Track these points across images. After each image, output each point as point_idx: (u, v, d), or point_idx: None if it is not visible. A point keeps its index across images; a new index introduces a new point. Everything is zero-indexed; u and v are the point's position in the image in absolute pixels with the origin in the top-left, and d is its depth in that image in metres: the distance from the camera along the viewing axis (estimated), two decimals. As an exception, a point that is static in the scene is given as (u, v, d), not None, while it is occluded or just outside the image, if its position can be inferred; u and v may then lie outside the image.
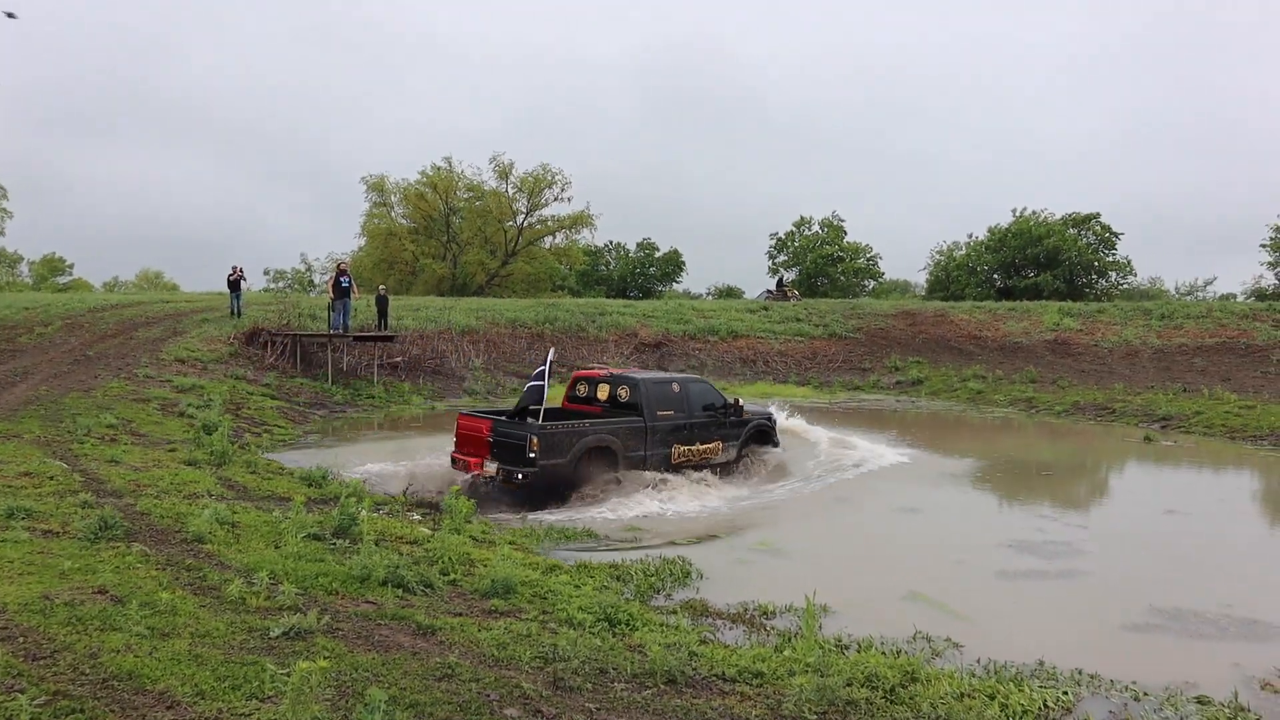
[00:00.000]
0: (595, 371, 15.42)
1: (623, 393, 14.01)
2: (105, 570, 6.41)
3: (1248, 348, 33.81)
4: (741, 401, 15.53)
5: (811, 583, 7.54)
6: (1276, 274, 55.58)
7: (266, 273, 74.67)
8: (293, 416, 21.20)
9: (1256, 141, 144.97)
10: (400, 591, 6.81)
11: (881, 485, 14.47)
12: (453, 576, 7.60)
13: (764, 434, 15.81)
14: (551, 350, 14.86)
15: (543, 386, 12.53)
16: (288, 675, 4.43)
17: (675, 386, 14.50)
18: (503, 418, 12.76)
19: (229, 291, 30.85)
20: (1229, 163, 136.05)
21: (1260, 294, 54.91)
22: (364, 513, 9.14)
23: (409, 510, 10.96)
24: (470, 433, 12.67)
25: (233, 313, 30.10)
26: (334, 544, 8.22)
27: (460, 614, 6.45)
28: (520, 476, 11.79)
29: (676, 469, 13.76)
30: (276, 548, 7.78)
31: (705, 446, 14.45)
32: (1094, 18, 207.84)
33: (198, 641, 5.07)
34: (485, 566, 7.81)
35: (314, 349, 27.48)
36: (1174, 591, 8.62)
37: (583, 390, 14.42)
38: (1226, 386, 26.93)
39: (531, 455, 11.75)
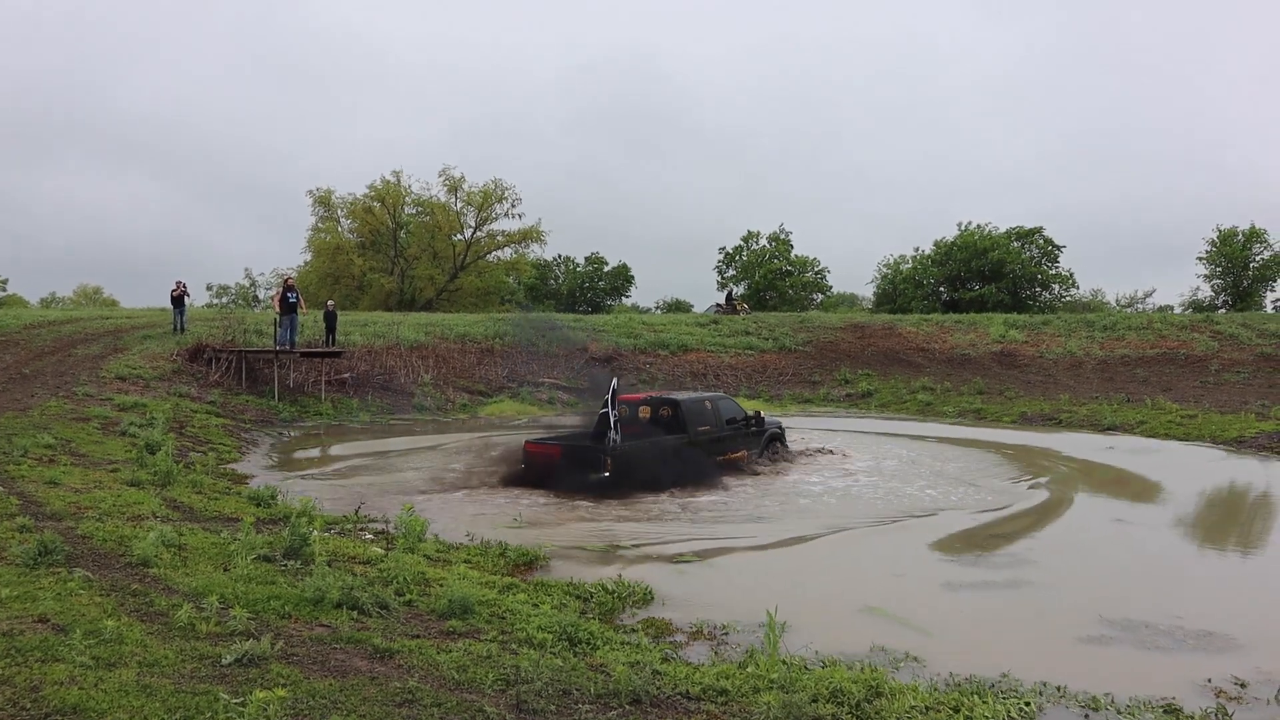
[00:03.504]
0: (634, 396, 17.26)
1: (664, 412, 15.97)
2: (46, 598, 6.16)
3: (1187, 358, 34.69)
4: (762, 414, 17.94)
5: (763, 596, 7.58)
6: (1213, 286, 57.14)
7: (210, 288, 73.33)
8: (238, 434, 20.77)
9: (1191, 155, 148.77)
10: (355, 613, 6.64)
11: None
12: (408, 597, 7.44)
13: (777, 440, 18.20)
14: (615, 379, 15.98)
15: (609, 413, 14.25)
16: (242, 705, 4.29)
17: (708, 404, 16.75)
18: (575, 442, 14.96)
19: (172, 307, 30.29)
20: (1163, 177, 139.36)
21: (1197, 305, 56.40)
22: (315, 533, 8.94)
23: (361, 530, 10.75)
24: (542, 457, 14.71)
25: (176, 329, 29.52)
26: (285, 565, 8.02)
27: (418, 635, 6.30)
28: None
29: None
30: (226, 570, 7.57)
31: (735, 455, 16.43)
32: (1016, 32, 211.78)
33: (146, 671, 4.88)
34: (441, 586, 7.66)
35: (260, 365, 27.04)
36: (1123, 603, 8.68)
37: (623, 412, 15.38)
38: (1168, 396, 27.53)
39: (606, 474, 13.76)
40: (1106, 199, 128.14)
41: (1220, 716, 5.83)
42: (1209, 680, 6.55)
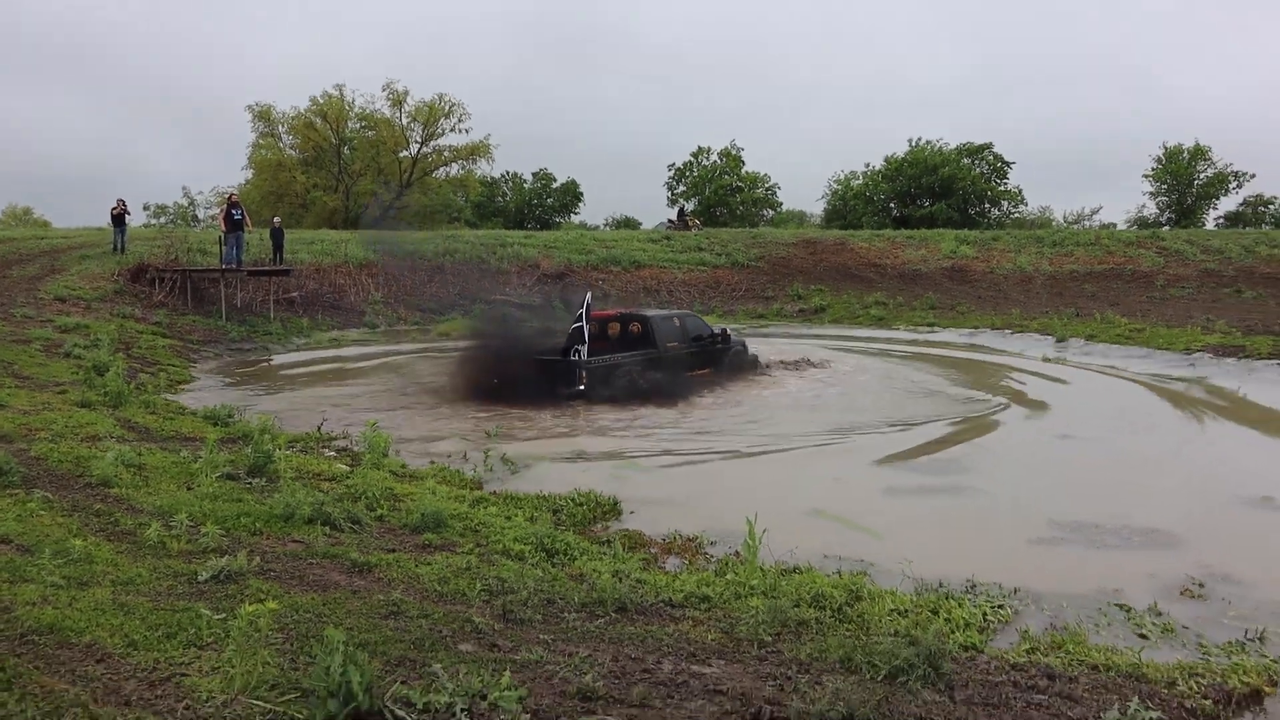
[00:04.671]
0: (605, 312, 17.37)
1: (634, 328, 16.37)
2: (6, 519, 5.95)
3: (1134, 274, 35.31)
4: (728, 331, 18.50)
5: (737, 505, 7.61)
6: (1157, 203, 58.00)
7: (147, 208, 70.83)
8: (187, 355, 20.33)
9: (1132, 72, 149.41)
10: (328, 529, 6.54)
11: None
12: (379, 512, 7.35)
13: (742, 355, 18.41)
14: (589, 293, 15.99)
15: (583, 328, 14.62)
16: (225, 620, 4.19)
17: (676, 320, 17.23)
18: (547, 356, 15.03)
19: (112, 226, 29.25)
20: (1105, 93, 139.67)
21: (1143, 222, 57.24)
22: (279, 450, 8.78)
23: (324, 447, 10.59)
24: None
25: (116, 248, 28.58)
26: (250, 483, 7.87)
27: (394, 549, 6.23)
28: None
29: None
30: (190, 489, 7.40)
31: (702, 371, 16.75)
32: None
33: (121, 590, 4.74)
34: (412, 501, 7.58)
35: (205, 285, 26.41)
36: (1069, 505, 8.82)
37: (593, 328, 15.48)
38: (1116, 310, 28.04)
39: (580, 387, 14.25)
40: (1048, 116, 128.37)
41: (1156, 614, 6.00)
42: (1150, 573, 6.78)
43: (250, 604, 3.86)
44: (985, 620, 5.71)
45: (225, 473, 8.00)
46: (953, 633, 5.38)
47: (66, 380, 13.60)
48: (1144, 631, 5.72)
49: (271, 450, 8.50)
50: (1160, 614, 5.99)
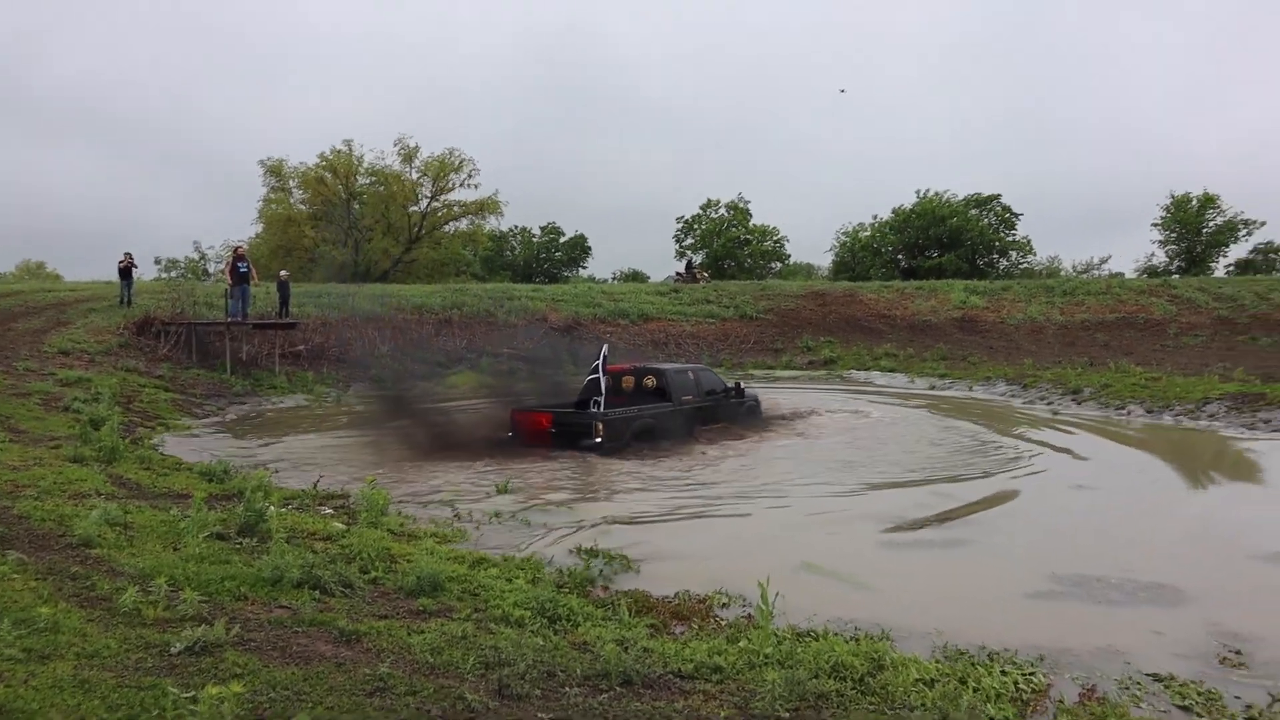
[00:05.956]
0: (619, 367, 17.29)
1: (649, 382, 16.48)
2: (-25, 583, 5.62)
3: (1146, 322, 34.97)
4: (742, 385, 18.56)
5: (746, 566, 7.35)
6: (1167, 251, 57.84)
7: (158, 262, 71.02)
8: (189, 409, 20.06)
9: (1139, 120, 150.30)
10: (317, 593, 6.17)
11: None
12: (374, 574, 6.98)
13: (755, 409, 18.58)
14: (605, 345, 16.21)
15: (599, 380, 14.86)
16: (193, 700, 3.82)
17: (691, 374, 17.30)
18: (563, 409, 15.21)
19: (119, 279, 29.24)
20: (1101, 151, 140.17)
21: (1152, 271, 57.04)
22: (272, 508, 8.44)
23: (320, 504, 10.24)
24: (529, 425, 14.87)
25: (122, 301, 28.55)
26: (240, 543, 7.51)
27: (386, 616, 5.86)
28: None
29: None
30: (176, 550, 7.05)
31: (715, 424, 16.86)
32: (959, 6, 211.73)
33: (84, 663, 4.38)
34: (408, 562, 7.22)
35: (211, 338, 26.23)
36: (1072, 560, 8.45)
37: (607, 383, 15.50)
38: (1130, 359, 27.63)
39: (598, 440, 14.12)
40: (1051, 171, 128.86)
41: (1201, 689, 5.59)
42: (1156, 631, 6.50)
43: (215, 686, 3.50)
44: (1018, 690, 5.33)
45: (215, 532, 7.65)
46: (986, 704, 5.00)
47: (62, 434, 13.32)
48: (1187, 703, 5.33)
49: (264, 508, 8.16)
50: (1201, 682, 5.60)
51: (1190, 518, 10.77)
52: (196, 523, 7.63)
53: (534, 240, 72.99)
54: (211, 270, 66.24)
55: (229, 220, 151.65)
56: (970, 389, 26.04)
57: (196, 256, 69.95)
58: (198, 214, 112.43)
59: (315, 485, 10.98)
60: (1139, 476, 13.16)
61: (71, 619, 5.05)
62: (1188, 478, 13.04)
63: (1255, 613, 7.00)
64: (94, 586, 5.84)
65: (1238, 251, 57.92)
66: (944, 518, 10.37)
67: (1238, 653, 6.13)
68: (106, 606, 5.43)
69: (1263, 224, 56.25)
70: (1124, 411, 20.04)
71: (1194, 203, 56.55)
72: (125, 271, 29.05)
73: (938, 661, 5.77)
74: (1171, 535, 9.91)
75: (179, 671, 4.38)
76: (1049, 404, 21.99)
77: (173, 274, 66.97)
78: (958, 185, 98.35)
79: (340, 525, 8.85)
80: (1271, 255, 57.53)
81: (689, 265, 51.79)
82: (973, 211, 58.08)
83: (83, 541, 6.91)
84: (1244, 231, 56.51)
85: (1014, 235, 59.41)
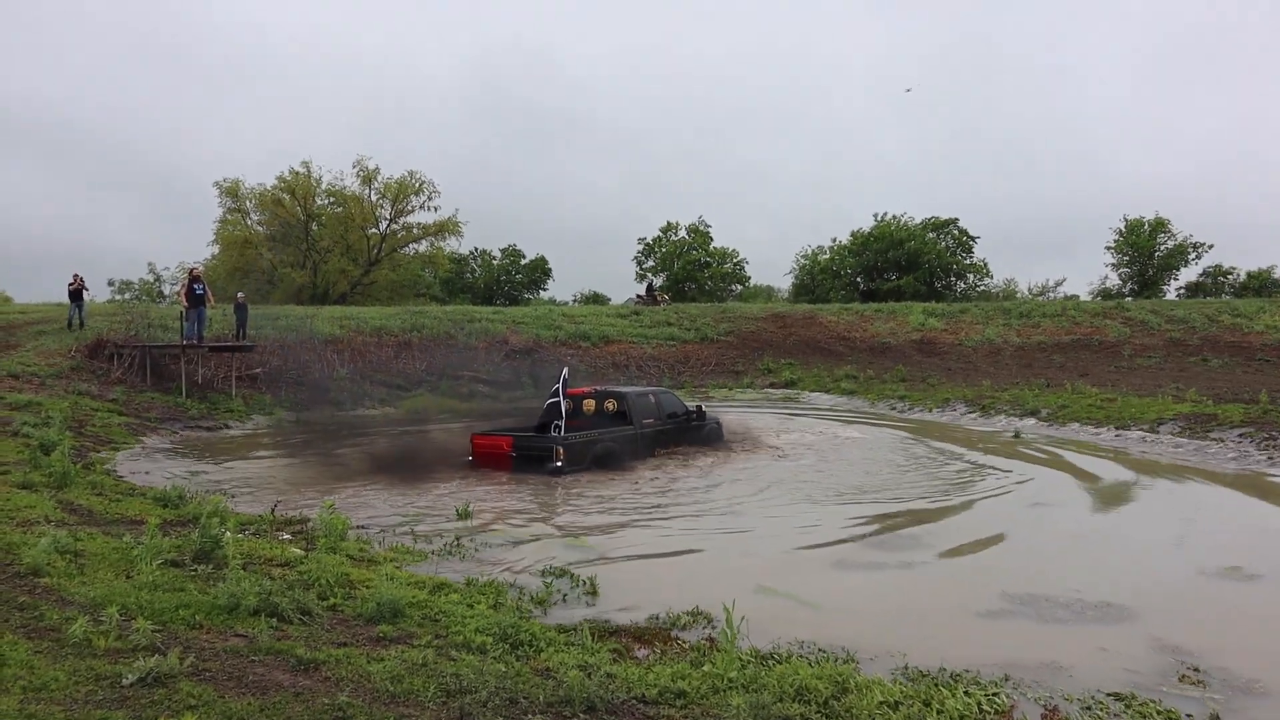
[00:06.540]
0: (580, 390, 17.34)
1: (610, 405, 16.43)
2: (-83, 615, 5.46)
3: (1101, 344, 35.56)
4: (703, 408, 18.57)
5: (707, 589, 7.34)
6: (1120, 274, 58.96)
7: (111, 284, 70.00)
8: (143, 432, 19.70)
9: (1091, 144, 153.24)
10: (274, 621, 6.06)
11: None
12: (332, 601, 6.87)
13: (716, 432, 18.47)
14: (565, 369, 16.25)
15: (559, 403, 14.97)
16: (145, 733, 3.74)
17: (652, 397, 17.35)
18: (523, 433, 15.22)
19: (69, 302, 28.73)
20: (1063, 168, 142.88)
21: (1106, 293, 58.12)
22: (228, 534, 8.29)
23: (278, 529, 10.07)
24: (490, 449, 14.90)
25: (72, 324, 28.01)
26: (195, 570, 7.38)
27: (345, 644, 5.76)
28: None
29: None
30: (128, 578, 6.90)
31: (676, 448, 16.89)
32: (904, 35, 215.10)
33: (31, 697, 4.26)
34: (368, 588, 7.11)
35: (166, 361, 25.81)
36: (1021, 579, 8.53)
37: (568, 406, 15.69)
38: (1086, 380, 28.03)
39: (559, 464, 14.07)
40: (1007, 195, 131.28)
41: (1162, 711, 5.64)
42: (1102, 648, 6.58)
43: (168, 718, 3.42)
44: (981, 711, 5.34)
45: (169, 559, 7.51)
46: (950, 727, 5.02)
47: (11, 460, 13.00)
48: (1146, 724, 5.39)
49: (220, 534, 8.02)
50: (1159, 701, 5.65)
51: (1142, 536, 10.91)
52: (150, 549, 7.47)
53: (494, 262, 72.88)
54: (167, 292, 65.37)
55: (183, 242, 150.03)
56: (929, 410, 26.27)
57: (151, 278, 69.05)
58: (150, 235, 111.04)
59: (273, 510, 10.81)
60: (1092, 496, 13.32)
61: (18, 651, 4.92)
62: (1140, 497, 13.24)
63: (1204, 630, 7.14)
64: (42, 616, 5.70)
65: (1188, 275, 59.41)
66: (899, 538, 10.45)
67: (1196, 670, 6.20)
68: (55, 637, 5.29)
69: (1211, 247, 57.71)
70: (1080, 432, 20.37)
71: (1146, 226, 57.77)
72: (76, 294, 28.59)
73: (900, 684, 5.77)
74: (1124, 552, 10.05)
75: (131, 704, 4.27)
76: (1007, 425, 22.26)
77: (126, 296, 66.01)
78: (915, 209, 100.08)
79: (298, 551, 8.71)
80: (1220, 278, 58.82)
81: (649, 288, 51.95)
82: (930, 235, 58.89)
83: (31, 570, 6.74)
84: (1194, 255, 57.93)
85: (971, 258, 60.33)
